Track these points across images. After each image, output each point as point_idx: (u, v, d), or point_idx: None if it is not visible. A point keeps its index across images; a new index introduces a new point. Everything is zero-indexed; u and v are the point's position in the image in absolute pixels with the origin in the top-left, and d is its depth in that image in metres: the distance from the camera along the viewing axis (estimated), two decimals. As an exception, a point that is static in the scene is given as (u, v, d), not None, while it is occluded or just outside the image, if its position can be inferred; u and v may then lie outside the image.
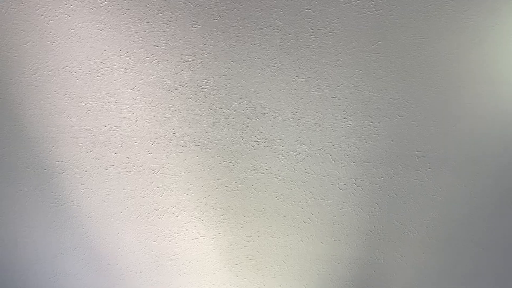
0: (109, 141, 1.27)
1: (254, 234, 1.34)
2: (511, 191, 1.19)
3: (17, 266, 1.52)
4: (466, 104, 1.12)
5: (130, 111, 1.23)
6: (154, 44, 1.14)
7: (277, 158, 1.23)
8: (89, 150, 1.29)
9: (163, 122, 1.23)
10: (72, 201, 1.38)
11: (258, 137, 1.22)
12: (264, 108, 1.18)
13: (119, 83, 1.20)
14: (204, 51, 1.14)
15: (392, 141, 1.17)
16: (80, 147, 1.29)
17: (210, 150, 1.25)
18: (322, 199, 1.27)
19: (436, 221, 1.25)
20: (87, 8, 1.13)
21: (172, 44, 1.14)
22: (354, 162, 1.21)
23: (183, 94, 1.19)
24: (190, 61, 1.15)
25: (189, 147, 1.25)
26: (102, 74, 1.20)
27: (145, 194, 1.33)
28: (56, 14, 1.14)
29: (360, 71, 1.11)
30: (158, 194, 1.33)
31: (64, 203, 1.39)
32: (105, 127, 1.26)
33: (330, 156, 1.21)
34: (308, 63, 1.12)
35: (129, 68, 1.18)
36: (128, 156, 1.29)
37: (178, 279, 1.45)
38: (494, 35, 1.04)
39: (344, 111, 1.16)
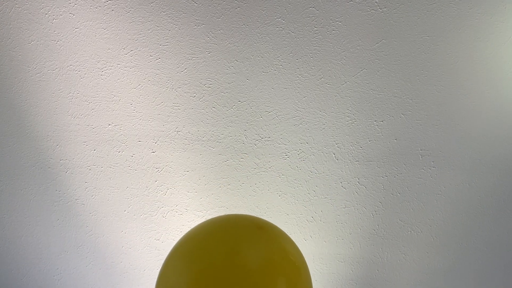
0: (113, 139, 1.28)
1: (257, 232, 1.34)
2: (516, 190, 1.19)
3: (21, 264, 1.53)
4: (471, 103, 1.11)
5: (134, 110, 1.23)
6: (158, 42, 1.15)
7: (280, 157, 1.23)
8: (93, 149, 1.30)
9: (166, 121, 1.24)
10: (76, 200, 1.38)
11: (261, 135, 1.22)
12: (268, 106, 1.18)
13: (123, 81, 1.21)
14: (208, 50, 1.14)
15: (396, 139, 1.17)
16: (84, 145, 1.30)
17: (213, 149, 1.25)
18: (326, 197, 1.27)
19: (440, 220, 1.24)
20: (91, 7, 1.13)
21: (176, 42, 1.14)
22: (357, 161, 1.21)
23: (186, 93, 1.20)
24: (194, 59, 1.16)
25: (192, 145, 1.25)
26: (106, 72, 1.20)
27: (148, 193, 1.34)
28: (61, 13, 1.15)
29: (364, 70, 1.11)
30: (162, 192, 1.33)
31: (68, 202, 1.39)
32: (109, 126, 1.26)
33: (334, 155, 1.21)
34: (312, 62, 1.12)
35: (133, 67, 1.18)
36: (132, 155, 1.29)
37: (182, 278, 1.45)
38: (498, 33, 1.04)
39: (348, 109, 1.16)
